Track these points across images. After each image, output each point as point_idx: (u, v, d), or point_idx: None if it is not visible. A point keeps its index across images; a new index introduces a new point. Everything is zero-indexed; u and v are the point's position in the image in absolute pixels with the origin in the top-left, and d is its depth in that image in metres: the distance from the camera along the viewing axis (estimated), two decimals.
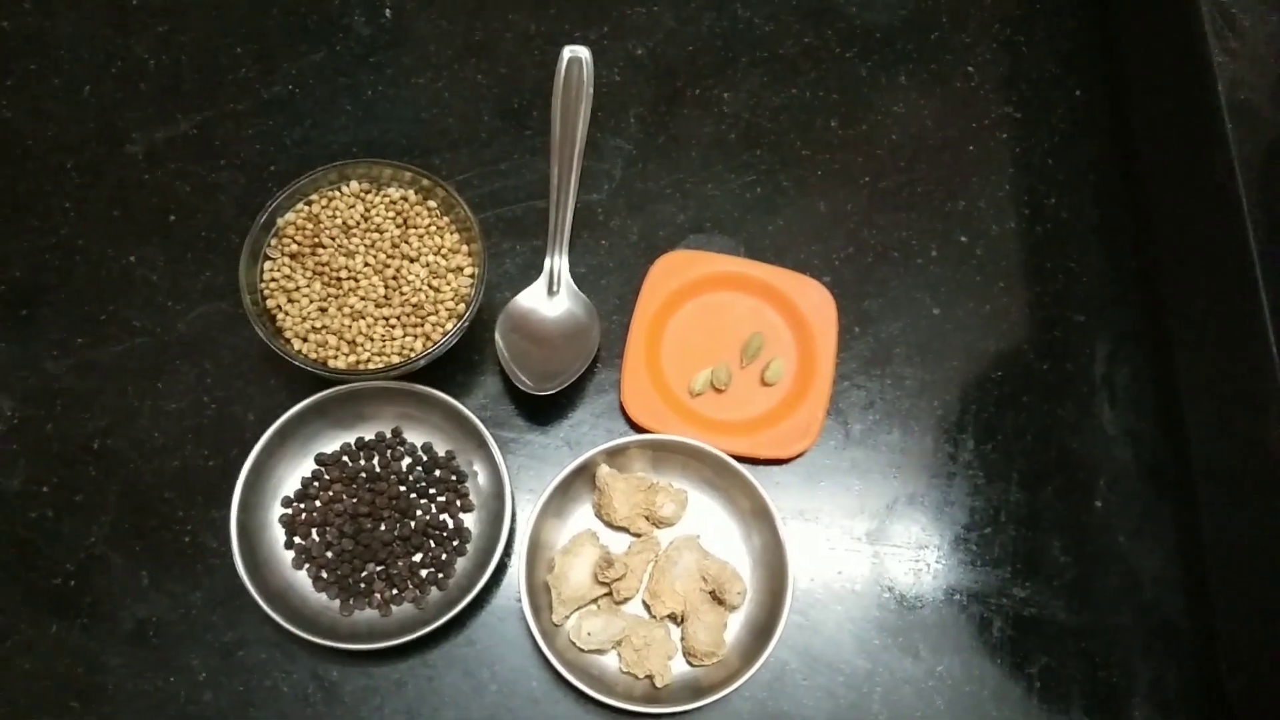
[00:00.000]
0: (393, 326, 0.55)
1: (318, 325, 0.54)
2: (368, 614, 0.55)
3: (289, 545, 0.56)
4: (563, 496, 0.56)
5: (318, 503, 0.56)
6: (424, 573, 0.55)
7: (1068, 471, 0.59)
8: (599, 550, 0.55)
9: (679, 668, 0.54)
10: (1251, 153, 0.54)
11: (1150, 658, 0.56)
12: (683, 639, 0.54)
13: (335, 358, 0.54)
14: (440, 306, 0.55)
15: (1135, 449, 0.60)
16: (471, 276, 0.56)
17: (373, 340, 0.54)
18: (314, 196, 0.56)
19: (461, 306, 0.55)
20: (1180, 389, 0.60)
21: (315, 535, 0.56)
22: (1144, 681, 0.56)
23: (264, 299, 0.55)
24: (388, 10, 0.69)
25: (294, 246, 0.55)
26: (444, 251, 0.56)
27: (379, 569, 0.55)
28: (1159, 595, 0.57)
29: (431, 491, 0.57)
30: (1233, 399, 0.55)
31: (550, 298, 0.59)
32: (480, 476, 0.57)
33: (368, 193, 0.57)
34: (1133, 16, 0.67)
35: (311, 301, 0.55)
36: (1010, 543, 0.58)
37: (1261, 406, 0.51)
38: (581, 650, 0.54)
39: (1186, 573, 0.57)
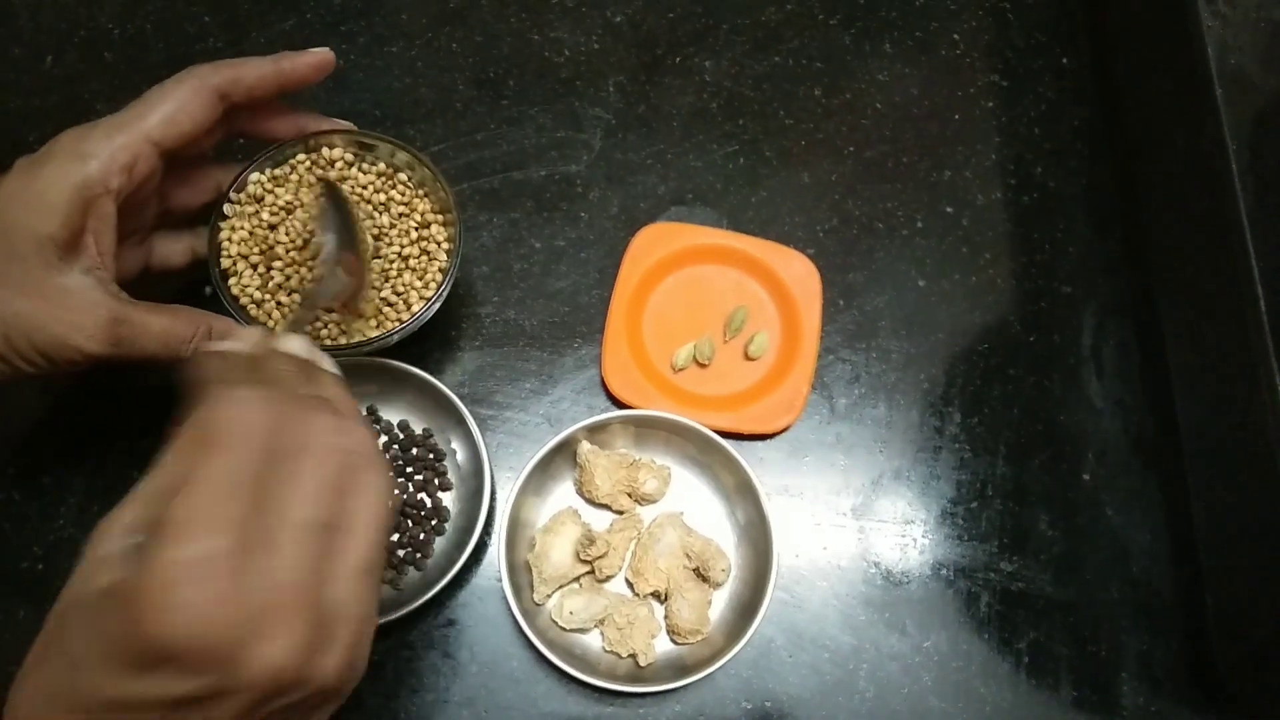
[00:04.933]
0: (367, 301, 0.53)
1: (283, 300, 0.53)
2: None
3: None
4: (543, 474, 0.55)
5: None
6: (401, 553, 0.54)
7: (1055, 444, 0.59)
8: (580, 528, 0.54)
9: (663, 646, 0.53)
10: (1241, 119, 0.53)
11: (1139, 632, 0.55)
12: (666, 617, 0.54)
13: (307, 333, 0.53)
14: (415, 280, 0.54)
15: (1123, 421, 0.59)
16: (447, 250, 0.54)
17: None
18: (283, 169, 0.55)
19: (437, 279, 0.54)
20: (1169, 360, 0.59)
21: None
22: (1133, 656, 0.55)
23: (231, 272, 0.53)
24: None
25: (264, 217, 0.54)
26: (418, 224, 0.55)
27: None
28: (1148, 569, 0.57)
29: (409, 470, 0.55)
30: (1222, 369, 0.54)
31: None
32: (459, 454, 0.56)
33: (341, 163, 0.55)
34: None
35: (283, 274, 0.53)
36: (997, 517, 0.57)
37: (1251, 377, 0.50)
38: (563, 629, 0.53)
39: (1175, 546, 0.57)
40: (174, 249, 0.54)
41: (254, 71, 0.49)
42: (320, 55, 0.51)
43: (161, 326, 0.47)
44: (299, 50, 0.51)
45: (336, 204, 0.50)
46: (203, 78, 0.48)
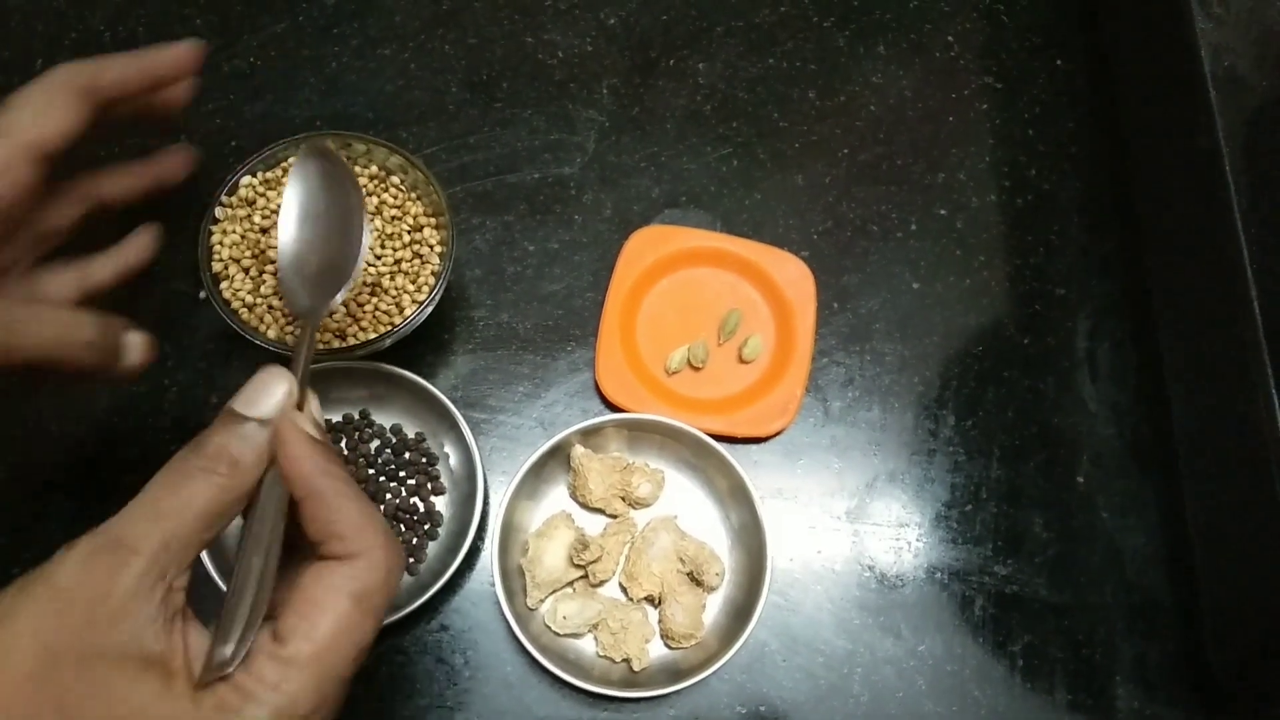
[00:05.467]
0: (360, 304, 0.53)
1: (275, 304, 0.53)
2: None
3: None
4: (536, 478, 0.54)
5: None
6: None
7: (1049, 447, 0.59)
8: (574, 532, 0.54)
9: (657, 650, 0.53)
10: (1236, 121, 0.53)
11: (1133, 635, 0.55)
12: (660, 621, 0.53)
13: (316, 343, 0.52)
14: (407, 283, 0.53)
15: (1118, 424, 0.59)
16: (440, 253, 0.54)
17: (337, 319, 0.53)
18: (274, 171, 0.54)
19: (430, 282, 0.54)
20: (1163, 363, 0.59)
21: None
22: (1127, 660, 0.55)
23: (223, 276, 0.53)
24: None
25: (256, 220, 0.53)
26: (411, 227, 0.54)
27: None
28: (1142, 572, 0.57)
29: (401, 474, 0.55)
30: (1216, 372, 0.54)
31: None
32: (452, 459, 0.56)
33: None
34: None
35: (275, 278, 0.53)
36: (991, 520, 0.57)
37: (1246, 379, 0.50)
38: (557, 634, 0.53)
39: (1170, 549, 0.57)
40: (65, 280, 0.50)
41: (118, 68, 0.47)
42: (185, 46, 0.49)
43: (54, 317, 0.44)
44: (165, 43, 0.49)
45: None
46: (67, 76, 0.46)
